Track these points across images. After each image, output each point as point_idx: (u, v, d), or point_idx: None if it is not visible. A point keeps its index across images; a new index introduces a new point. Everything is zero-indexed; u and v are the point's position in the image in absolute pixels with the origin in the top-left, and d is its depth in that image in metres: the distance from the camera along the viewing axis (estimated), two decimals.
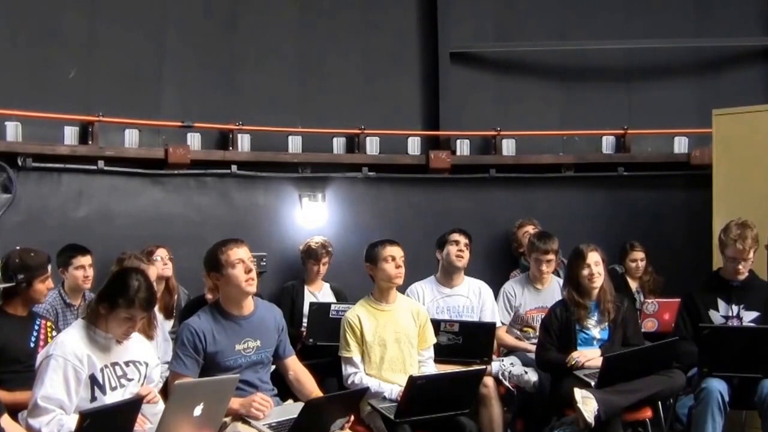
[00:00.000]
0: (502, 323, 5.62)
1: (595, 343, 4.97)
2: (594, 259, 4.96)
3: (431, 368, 4.73)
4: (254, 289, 4.14)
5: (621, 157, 7.37)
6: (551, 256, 5.63)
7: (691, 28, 7.64)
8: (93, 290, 5.03)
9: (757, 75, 7.66)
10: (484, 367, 4.78)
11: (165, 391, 3.94)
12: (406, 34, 7.55)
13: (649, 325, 5.96)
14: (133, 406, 3.44)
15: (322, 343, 5.50)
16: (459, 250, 5.53)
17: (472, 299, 5.54)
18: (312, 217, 6.98)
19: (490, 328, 5.31)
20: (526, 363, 5.30)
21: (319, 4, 7.41)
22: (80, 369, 3.53)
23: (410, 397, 4.16)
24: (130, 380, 3.71)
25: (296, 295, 6.22)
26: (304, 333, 5.70)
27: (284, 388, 4.34)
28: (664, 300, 6.08)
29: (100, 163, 6.46)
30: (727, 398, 4.54)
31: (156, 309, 4.89)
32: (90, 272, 5.28)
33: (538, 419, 5.18)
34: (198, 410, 3.40)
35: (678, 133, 7.35)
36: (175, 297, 5.89)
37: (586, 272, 4.94)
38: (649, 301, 6.19)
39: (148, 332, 4.52)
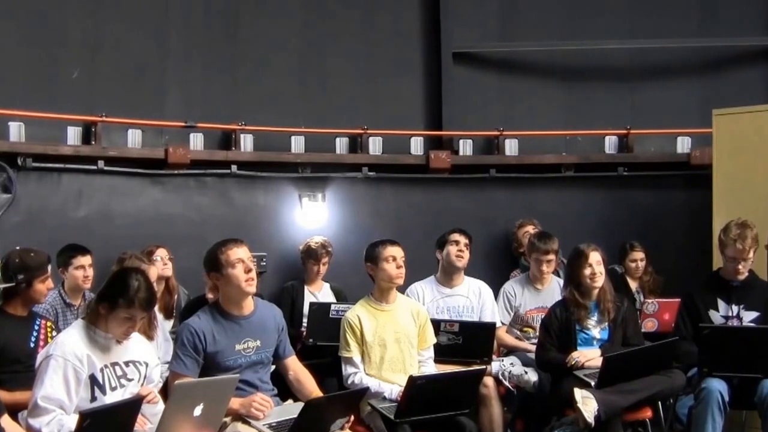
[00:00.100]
0: (502, 323, 5.62)
1: (595, 343, 4.97)
2: (595, 258, 4.96)
3: (431, 368, 4.72)
4: (254, 289, 4.14)
5: (624, 157, 7.35)
6: (551, 256, 5.63)
7: (694, 29, 7.63)
8: (93, 290, 5.04)
9: (760, 75, 7.65)
10: (484, 367, 4.77)
11: (165, 391, 3.94)
12: (408, 34, 7.55)
13: (649, 325, 5.96)
14: (133, 406, 3.44)
15: (322, 343, 5.50)
16: (459, 250, 5.53)
17: (472, 299, 5.54)
18: (312, 217, 6.97)
19: (490, 328, 5.31)
20: (526, 363, 5.30)
21: (322, 5, 7.41)
22: (80, 369, 3.53)
23: (410, 397, 4.16)
24: (130, 380, 3.71)
25: (296, 295, 6.23)
26: (304, 333, 5.70)
27: (284, 388, 4.33)
28: (664, 300, 6.07)
29: (100, 163, 6.46)
30: (727, 398, 4.54)
31: (156, 309, 4.91)
32: (90, 272, 5.28)
33: (538, 419, 5.18)
34: (198, 410, 3.40)
35: (681, 133, 7.34)
36: (175, 297, 5.89)
37: (587, 272, 4.94)
38: (649, 301, 6.18)
39: (149, 332, 4.54)
